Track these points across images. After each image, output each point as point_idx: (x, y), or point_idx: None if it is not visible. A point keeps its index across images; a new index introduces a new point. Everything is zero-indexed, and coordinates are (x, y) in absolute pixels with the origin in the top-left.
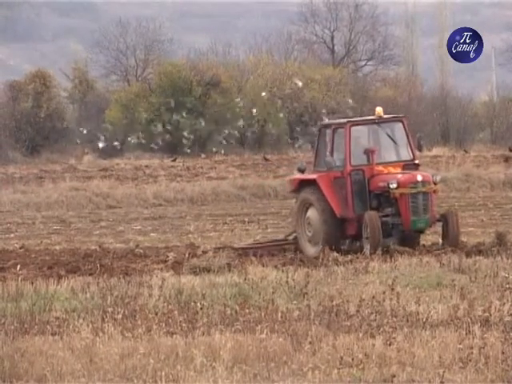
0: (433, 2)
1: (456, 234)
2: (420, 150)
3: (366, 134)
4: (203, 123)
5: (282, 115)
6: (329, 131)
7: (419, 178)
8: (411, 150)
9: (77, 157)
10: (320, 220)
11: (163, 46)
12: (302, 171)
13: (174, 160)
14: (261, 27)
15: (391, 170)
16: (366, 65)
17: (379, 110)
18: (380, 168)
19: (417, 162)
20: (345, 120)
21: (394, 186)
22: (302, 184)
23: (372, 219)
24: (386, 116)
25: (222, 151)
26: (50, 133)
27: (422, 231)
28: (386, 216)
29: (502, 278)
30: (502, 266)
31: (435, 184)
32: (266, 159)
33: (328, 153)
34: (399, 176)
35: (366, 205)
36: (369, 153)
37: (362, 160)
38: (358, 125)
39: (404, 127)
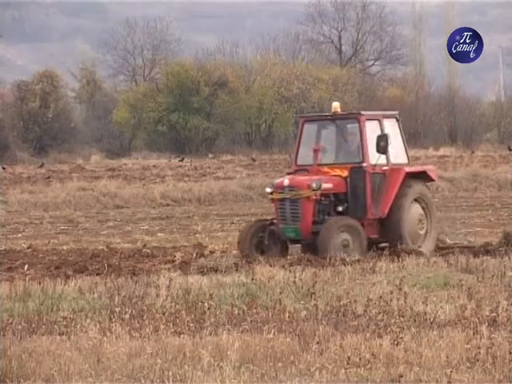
0: (440, 2)
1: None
2: (380, 151)
3: (319, 131)
4: (210, 123)
5: (289, 115)
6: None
7: (286, 182)
8: (362, 151)
9: (84, 157)
10: None
11: (171, 45)
12: None
13: (182, 160)
14: (268, 27)
15: (338, 172)
16: (373, 65)
17: (336, 104)
18: (325, 169)
19: (365, 164)
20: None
21: (269, 190)
22: None
23: (242, 230)
24: (341, 112)
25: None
26: (57, 133)
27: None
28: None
29: (509, 278)
30: (509, 265)
31: (314, 190)
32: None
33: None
34: (277, 180)
35: None
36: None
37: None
38: (311, 121)
39: (359, 125)
